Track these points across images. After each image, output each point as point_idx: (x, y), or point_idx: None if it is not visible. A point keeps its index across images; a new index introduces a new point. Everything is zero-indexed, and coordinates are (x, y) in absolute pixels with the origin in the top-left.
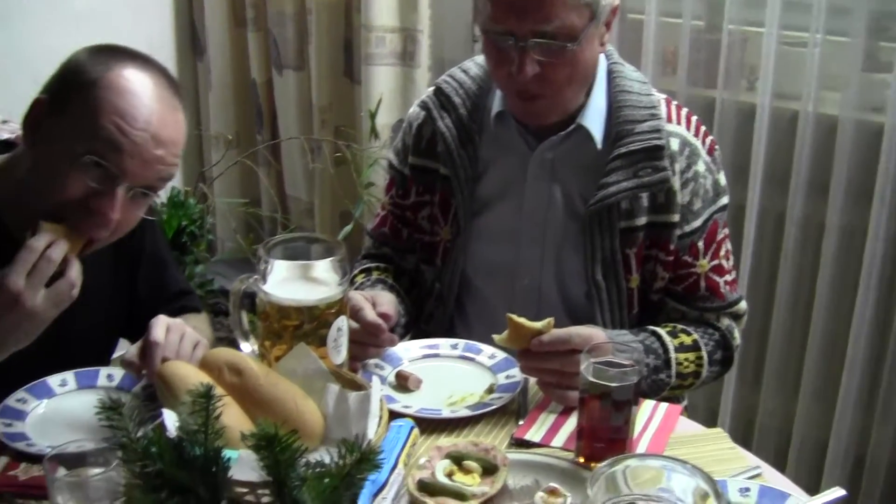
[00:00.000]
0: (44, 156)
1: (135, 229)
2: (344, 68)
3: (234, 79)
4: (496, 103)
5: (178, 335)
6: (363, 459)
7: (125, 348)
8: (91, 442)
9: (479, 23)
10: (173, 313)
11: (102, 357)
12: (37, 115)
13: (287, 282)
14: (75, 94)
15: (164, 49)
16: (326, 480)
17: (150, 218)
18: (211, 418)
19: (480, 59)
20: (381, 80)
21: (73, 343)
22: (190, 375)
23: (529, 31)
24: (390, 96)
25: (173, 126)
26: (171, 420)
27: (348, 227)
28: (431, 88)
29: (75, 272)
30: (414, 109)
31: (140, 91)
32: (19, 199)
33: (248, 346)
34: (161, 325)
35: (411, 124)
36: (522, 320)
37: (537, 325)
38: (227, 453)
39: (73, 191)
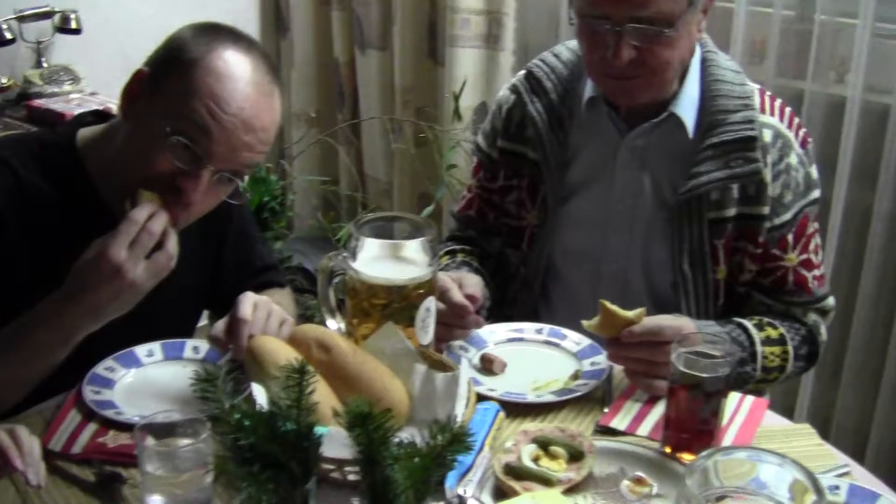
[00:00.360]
0: (137, 129)
1: (222, 204)
2: (427, 50)
3: (316, 57)
4: (588, 89)
5: (265, 312)
6: (455, 440)
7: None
8: (179, 413)
9: (575, 6)
10: (258, 287)
11: (187, 328)
12: (136, 87)
13: (377, 260)
14: (174, 72)
15: (248, 26)
16: (417, 460)
17: (232, 202)
18: (304, 394)
19: (572, 43)
20: (465, 63)
21: (160, 314)
22: (279, 351)
23: (626, 17)
24: (474, 79)
25: (266, 113)
26: (259, 395)
27: (429, 209)
28: (522, 72)
29: (173, 244)
30: (504, 93)
31: (237, 75)
32: (113, 169)
33: (334, 324)
34: (248, 302)
35: (501, 107)
36: (615, 308)
37: (629, 314)
38: (317, 429)
39: (160, 168)
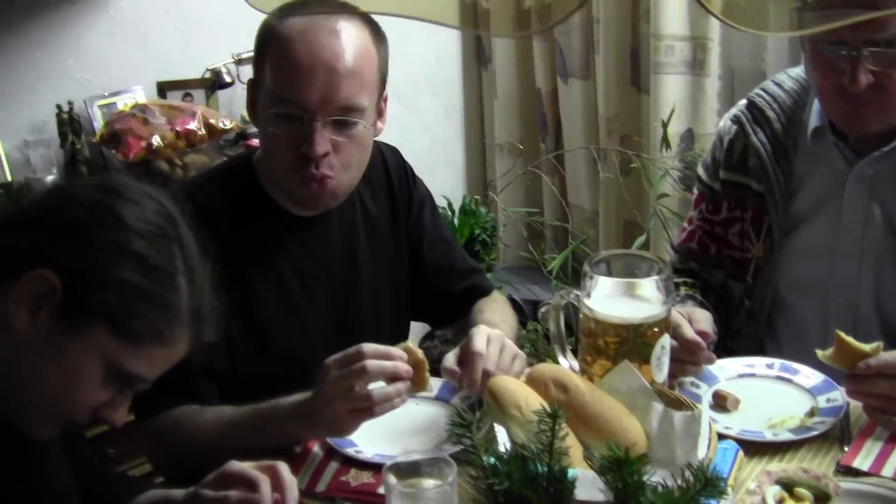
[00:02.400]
0: (260, 133)
1: (411, 208)
2: (631, 77)
3: (519, 88)
4: (813, 118)
5: (497, 347)
6: (709, 484)
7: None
8: (421, 453)
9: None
10: (463, 292)
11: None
12: (251, 95)
13: (611, 298)
14: (261, 59)
15: (450, 59)
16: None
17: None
18: (557, 438)
19: (794, 71)
20: (670, 90)
21: (364, 331)
22: (518, 391)
23: (862, 40)
24: (679, 106)
25: (336, 48)
26: (501, 436)
27: (640, 239)
28: (744, 102)
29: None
30: (725, 123)
31: (298, 28)
32: (270, 173)
33: (566, 362)
34: (482, 335)
35: (722, 139)
36: (851, 340)
37: (866, 347)
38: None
39: (284, 151)
